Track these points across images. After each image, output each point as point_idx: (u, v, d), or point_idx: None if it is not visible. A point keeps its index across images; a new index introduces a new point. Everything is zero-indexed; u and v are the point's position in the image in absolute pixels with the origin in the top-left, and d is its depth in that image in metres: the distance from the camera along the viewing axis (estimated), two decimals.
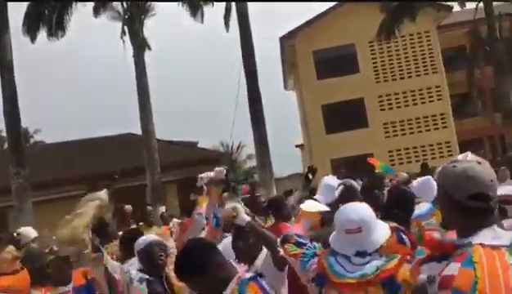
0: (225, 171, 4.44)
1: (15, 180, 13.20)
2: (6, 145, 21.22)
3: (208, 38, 52.72)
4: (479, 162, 1.78)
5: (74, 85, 52.92)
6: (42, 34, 14.34)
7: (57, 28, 13.99)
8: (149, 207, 8.44)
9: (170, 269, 3.40)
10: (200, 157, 20.68)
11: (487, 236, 1.68)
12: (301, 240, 2.49)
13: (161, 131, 22.56)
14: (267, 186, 13.79)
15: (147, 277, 3.39)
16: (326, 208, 2.91)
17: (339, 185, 3.56)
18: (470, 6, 16.71)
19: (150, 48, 14.84)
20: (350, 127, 21.09)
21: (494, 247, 1.64)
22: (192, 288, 2.36)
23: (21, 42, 14.57)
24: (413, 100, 21.79)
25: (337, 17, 21.34)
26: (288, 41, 22.17)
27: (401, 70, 21.96)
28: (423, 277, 1.78)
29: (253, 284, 2.19)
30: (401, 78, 21.93)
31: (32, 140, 32.23)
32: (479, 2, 14.81)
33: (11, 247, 3.39)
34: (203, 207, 4.63)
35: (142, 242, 3.63)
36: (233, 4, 14.50)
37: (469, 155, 1.93)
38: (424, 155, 20.77)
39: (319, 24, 21.63)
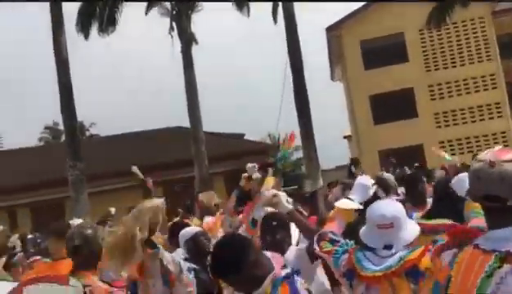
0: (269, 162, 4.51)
1: (72, 172, 13.89)
2: (63, 138, 22.31)
3: (254, 32, 52.83)
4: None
5: (124, 80, 54.54)
6: (95, 31, 14.93)
7: (108, 25, 14.52)
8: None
9: None
10: (247, 149, 20.93)
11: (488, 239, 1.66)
12: (335, 238, 2.60)
13: (209, 124, 23.02)
14: (313, 178, 13.81)
15: (194, 266, 3.50)
16: (360, 206, 2.89)
17: (373, 185, 3.57)
18: None
19: (197, 43, 15.13)
20: (399, 118, 20.63)
21: (485, 251, 1.63)
22: (228, 285, 2.39)
23: (75, 39, 15.24)
24: (466, 88, 21.02)
25: (385, 5, 20.84)
26: (334, 31, 21.90)
27: (454, 58, 21.20)
28: None
29: (285, 285, 2.10)
30: (454, 67, 21.18)
31: (88, 133, 33.57)
32: None
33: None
34: (269, 185, 4.72)
35: (189, 232, 3.77)
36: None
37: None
38: (477, 146, 20.01)
39: (366, 13, 21.23)
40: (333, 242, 2.58)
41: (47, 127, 33.94)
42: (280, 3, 14.41)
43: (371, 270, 2.33)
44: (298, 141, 18.36)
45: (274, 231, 2.88)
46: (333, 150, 38.39)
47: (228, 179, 18.56)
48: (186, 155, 16.75)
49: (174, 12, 15.24)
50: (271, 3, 14.97)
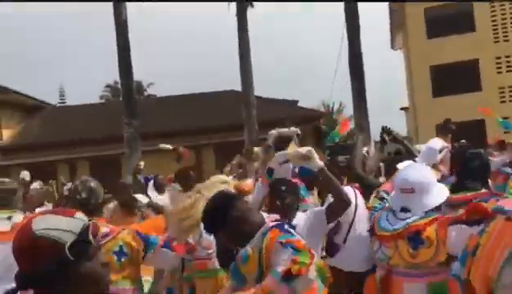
0: (297, 132, 4.40)
1: (127, 129, 14.39)
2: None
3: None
4: None
5: (183, 42, 55.22)
6: None
7: None
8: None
9: None
10: (300, 115, 20.78)
11: None
12: (385, 195, 2.79)
13: (263, 90, 22.96)
14: (368, 152, 13.55)
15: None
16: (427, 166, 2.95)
17: (441, 150, 3.48)
18: None
19: (252, 6, 14.94)
20: (460, 91, 19.68)
21: None
22: (220, 240, 2.46)
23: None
24: None
25: None
26: None
27: None
28: None
29: (274, 229, 2.12)
30: None
31: (145, 94, 34.44)
32: None
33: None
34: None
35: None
36: None
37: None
38: None
39: None
40: (382, 199, 2.78)
41: (107, 86, 35.10)
42: None
43: (384, 230, 2.51)
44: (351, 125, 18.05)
45: (283, 196, 2.85)
46: (389, 122, 37.41)
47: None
48: (237, 119, 16.87)
49: None
50: None
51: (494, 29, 20.06)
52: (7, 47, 54.97)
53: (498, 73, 20.04)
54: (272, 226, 2.14)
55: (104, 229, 2.69)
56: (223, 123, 18.63)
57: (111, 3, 14.40)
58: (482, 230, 1.78)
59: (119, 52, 14.56)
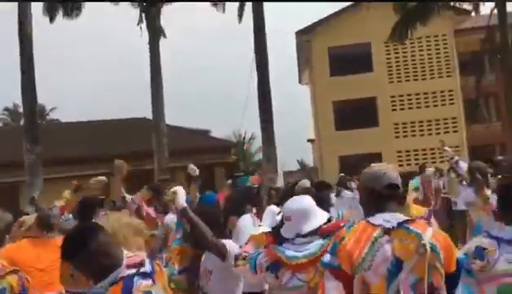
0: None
1: (28, 155, 13.67)
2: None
3: (223, 31, 52.92)
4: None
5: (90, 67, 53.63)
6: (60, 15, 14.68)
7: (73, 8, 14.33)
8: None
9: None
10: (211, 145, 21.03)
11: (377, 217, 2.30)
12: (247, 255, 2.98)
13: (174, 119, 22.91)
14: (271, 179, 14.06)
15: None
16: (269, 229, 3.16)
17: (279, 213, 3.87)
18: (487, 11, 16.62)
19: (165, 36, 15.13)
20: (360, 125, 21.18)
21: (373, 225, 2.26)
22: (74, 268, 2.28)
23: (40, 21, 14.97)
24: (425, 102, 21.79)
25: (354, 15, 21.35)
26: (304, 36, 22.29)
27: (416, 72, 21.95)
28: None
29: (120, 284, 2.06)
30: (415, 80, 21.93)
31: (48, 118, 32.87)
32: (493, 8, 14.75)
33: None
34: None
35: None
36: None
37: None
38: (432, 158, 20.77)
39: (336, 21, 21.70)
40: (245, 258, 2.96)
41: (6, 109, 33.06)
42: (249, 3, 14.55)
43: (298, 258, 2.66)
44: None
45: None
46: (298, 152, 38.92)
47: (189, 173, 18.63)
48: (147, 147, 16.71)
49: (144, 4, 15.17)
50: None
51: (389, 70, 22.00)
52: None
53: (393, 110, 21.89)
54: (121, 278, 2.08)
55: None
56: (133, 151, 18.32)
57: (16, 17, 13.75)
58: (349, 227, 2.35)
59: (23, 72, 13.91)
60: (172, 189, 3.06)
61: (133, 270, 2.12)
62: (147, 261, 2.22)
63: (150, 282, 2.13)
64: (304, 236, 2.71)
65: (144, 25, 14.86)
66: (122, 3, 15.86)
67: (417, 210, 4.41)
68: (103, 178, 5.06)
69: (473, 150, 20.83)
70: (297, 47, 23.66)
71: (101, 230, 2.20)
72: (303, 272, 2.64)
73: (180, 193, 3.01)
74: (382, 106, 21.83)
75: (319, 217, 2.79)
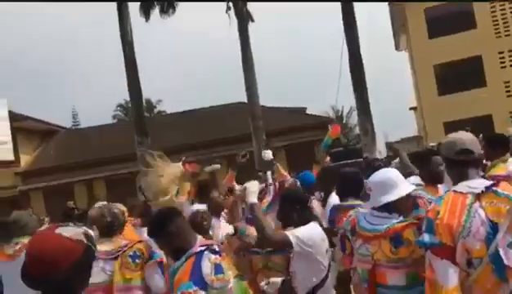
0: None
1: (139, 148, 14.79)
2: None
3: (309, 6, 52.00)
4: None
5: (187, 59, 55.83)
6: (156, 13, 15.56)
7: (168, 7, 15.09)
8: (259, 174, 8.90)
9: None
10: (308, 122, 21.04)
11: (462, 185, 2.36)
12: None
13: (270, 99, 23.20)
14: (370, 151, 13.78)
15: None
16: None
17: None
18: None
19: (253, 20, 15.34)
20: (465, 88, 19.81)
21: (462, 193, 2.32)
22: (159, 247, 2.88)
23: (139, 21, 15.97)
24: None
25: None
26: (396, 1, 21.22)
27: None
28: None
29: (192, 258, 2.52)
30: None
31: (155, 110, 34.98)
32: None
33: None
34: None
35: (187, 211, 4.10)
36: None
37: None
38: None
39: None
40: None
41: (119, 105, 35.76)
42: None
43: (366, 230, 2.83)
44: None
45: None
46: (400, 122, 37.46)
47: (290, 152, 18.88)
48: (246, 130, 17.20)
49: None
50: None
51: (495, 24, 20.20)
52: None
53: (502, 67, 20.13)
54: (194, 253, 2.53)
55: (123, 242, 3.48)
56: (232, 135, 19.02)
57: (117, 22, 14.85)
58: (438, 199, 2.43)
59: (128, 72, 15.02)
60: (244, 185, 3.14)
61: (204, 247, 2.56)
62: (216, 244, 2.67)
63: (219, 257, 2.53)
64: (383, 208, 2.79)
65: (232, 12, 15.21)
66: None
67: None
68: (217, 166, 5.45)
69: None
70: (390, 13, 22.61)
71: (180, 216, 2.69)
72: (371, 244, 2.78)
73: (251, 189, 3.08)
74: (489, 64, 20.14)
75: (401, 189, 2.80)
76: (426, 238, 2.33)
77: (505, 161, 4.20)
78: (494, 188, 2.31)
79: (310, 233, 3.18)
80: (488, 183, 2.34)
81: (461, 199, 2.30)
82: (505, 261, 2.15)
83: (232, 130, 19.36)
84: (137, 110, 15.52)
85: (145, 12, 15.25)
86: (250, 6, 15.60)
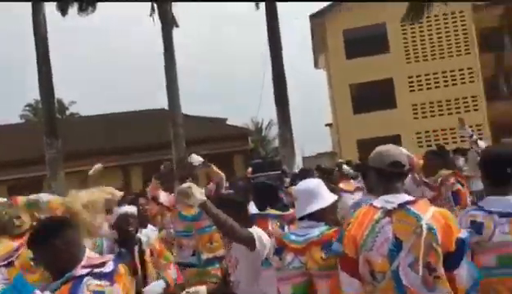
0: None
1: (49, 150, 13.90)
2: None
3: (236, 17, 52.72)
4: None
5: (106, 60, 54.04)
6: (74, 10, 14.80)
7: (88, 5, 14.43)
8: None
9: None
10: (228, 133, 21.07)
11: (381, 199, 2.40)
12: None
13: (191, 108, 22.98)
14: (288, 164, 14.02)
15: (119, 249, 3.53)
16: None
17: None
18: None
19: (177, 26, 15.10)
20: (378, 108, 20.96)
21: (376, 208, 2.37)
22: (36, 260, 2.46)
23: (54, 17, 15.08)
24: (444, 81, 21.39)
25: None
26: (318, 19, 22.04)
27: (434, 50, 21.52)
28: None
29: (69, 284, 2.09)
30: (433, 59, 21.51)
31: (67, 112, 33.31)
32: None
33: None
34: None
35: (115, 213, 3.63)
36: None
37: None
38: (453, 138, 20.45)
39: (350, 3, 21.38)
40: None
41: (28, 105, 33.62)
42: None
43: (297, 242, 2.75)
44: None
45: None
46: (315, 137, 38.80)
47: (209, 162, 18.72)
48: (165, 137, 16.83)
49: None
50: None
51: (406, 50, 21.63)
52: None
53: (411, 91, 21.56)
54: (72, 278, 2.11)
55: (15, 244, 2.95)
56: (151, 142, 18.49)
57: (30, 13, 13.90)
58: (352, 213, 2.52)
59: (40, 70, 14.13)
60: (184, 186, 2.82)
61: (87, 270, 2.13)
62: (111, 262, 2.20)
63: (104, 282, 2.11)
64: (308, 218, 2.77)
65: (156, 16, 14.87)
66: None
67: None
68: (99, 165, 5.01)
69: (494, 128, 20.43)
70: (311, 31, 23.42)
71: (71, 228, 2.23)
72: (304, 255, 2.72)
73: (194, 188, 2.80)
74: (399, 87, 21.51)
75: (325, 199, 2.81)
76: (335, 245, 2.44)
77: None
78: (408, 206, 2.32)
79: (261, 233, 3.11)
80: (404, 199, 2.34)
81: (371, 213, 2.35)
82: (404, 281, 2.20)
83: (151, 136, 18.86)
84: (49, 110, 14.59)
85: (63, 9, 14.45)
86: (175, 10, 15.39)
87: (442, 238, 2.24)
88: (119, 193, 3.50)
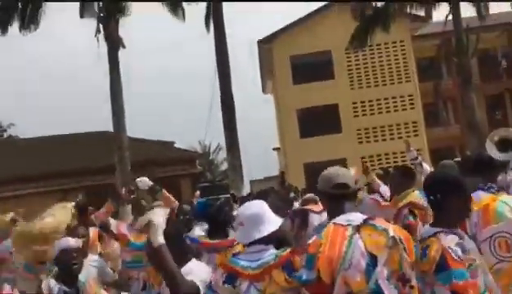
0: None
1: None
2: None
3: (184, 41, 52.66)
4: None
5: (49, 81, 52.36)
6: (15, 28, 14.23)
7: (30, 22, 13.91)
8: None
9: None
10: (175, 156, 20.74)
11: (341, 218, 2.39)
12: None
13: (138, 131, 22.52)
14: (237, 188, 13.93)
15: (64, 288, 3.26)
16: None
17: None
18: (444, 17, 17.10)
19: (124, 47, 14.82)
20: (324, 132, 21.38)
21: (342, 225, 2.35)
22: None
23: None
24: (386, 107, 22.20)
25: (315, 23, 21.64)
26: (266, 45, 22.41)
27: (376, 78, 22.36)
28: None
29: None
30: (376, 86, 22.33)
31: (5, 134, 31.85)
32: (448, 14, 15.19)
33: None
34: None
35: (57, 248, 3.27)
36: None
37: None
38: (395, 162, 21.11)
39: (297, 29, 21.92)
40: None
41: None
42: (212, 9, 14.47)
43: (251, 268, 2.56)
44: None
45: None
46: (264, 161, 38.99)
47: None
48: (109, 160, 16.30)
49: (102, 15, 14.84)
50: (204, 9, 14.98)
51: (350, 77, 22.34)
52: None
53: (355, 116, 22.20)
54: None
55: None
56: (93, 166, 17.86)
57: None
58: (318, 233, 2.40)
59: None
60: (147, 218, 2.33)
61: None
62: None
63: None
64: (257, 242, 2.62)
65: (101, 36, 14.55)
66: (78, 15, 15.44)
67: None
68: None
69: (433, 153, 21.30)
70: (259, 57, 23.75)
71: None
72: (260, 281, 2.56)
73: (156, 223, 2.30)
74: (344, 113, 22.10)
75: (272, 224, 2.68)
76: (304, 274, 2.30)
77: (414, 191, 4.50)
78: (371, 221, 2.37)
79: (199, 269, 2.82)
80: (364, 216, 2.40)
81: (341, 231, 2.33)
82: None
83: (94, 159, 18.21)
84: None
85: (2, 26, 13.82)
86: (122, 30, 15.12)
87: (408, 249, 2.32)
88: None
